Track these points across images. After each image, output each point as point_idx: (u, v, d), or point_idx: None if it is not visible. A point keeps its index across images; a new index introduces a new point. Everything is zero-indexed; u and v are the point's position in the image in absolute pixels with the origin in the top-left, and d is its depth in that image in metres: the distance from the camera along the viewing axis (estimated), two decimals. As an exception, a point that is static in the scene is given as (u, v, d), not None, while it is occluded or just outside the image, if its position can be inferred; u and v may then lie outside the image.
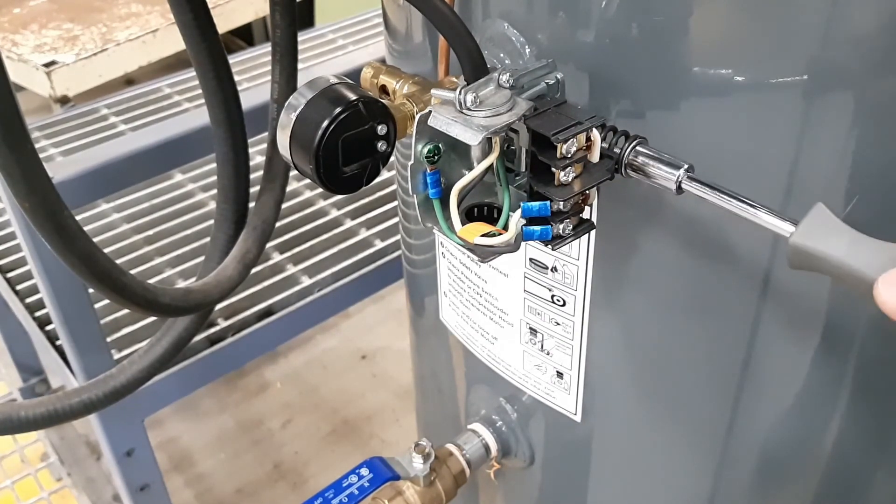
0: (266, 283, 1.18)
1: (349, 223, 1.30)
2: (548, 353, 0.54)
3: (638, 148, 0.40)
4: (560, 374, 0.54)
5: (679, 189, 0.38)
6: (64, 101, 1.68)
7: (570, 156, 0.39)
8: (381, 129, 0.40)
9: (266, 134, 0.75)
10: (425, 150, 0.40)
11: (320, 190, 1.33)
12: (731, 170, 0.41)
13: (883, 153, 0.39)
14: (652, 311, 0.48)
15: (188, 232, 1.26)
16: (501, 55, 0.45)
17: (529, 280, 0.52)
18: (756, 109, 0.39)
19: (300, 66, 0.67)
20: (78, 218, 0.48)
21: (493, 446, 0.61)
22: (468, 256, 0.56)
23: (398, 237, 0.72)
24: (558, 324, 0.52)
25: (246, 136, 0.69)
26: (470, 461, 0.60)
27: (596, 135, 0.40)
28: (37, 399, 0.62)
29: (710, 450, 0.52)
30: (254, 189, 0.71)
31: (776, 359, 0.46)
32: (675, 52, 0.40)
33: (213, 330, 1.11)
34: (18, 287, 1.18)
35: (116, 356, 1.05)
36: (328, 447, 1.57)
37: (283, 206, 0.72)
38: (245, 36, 2.52)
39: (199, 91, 0.66)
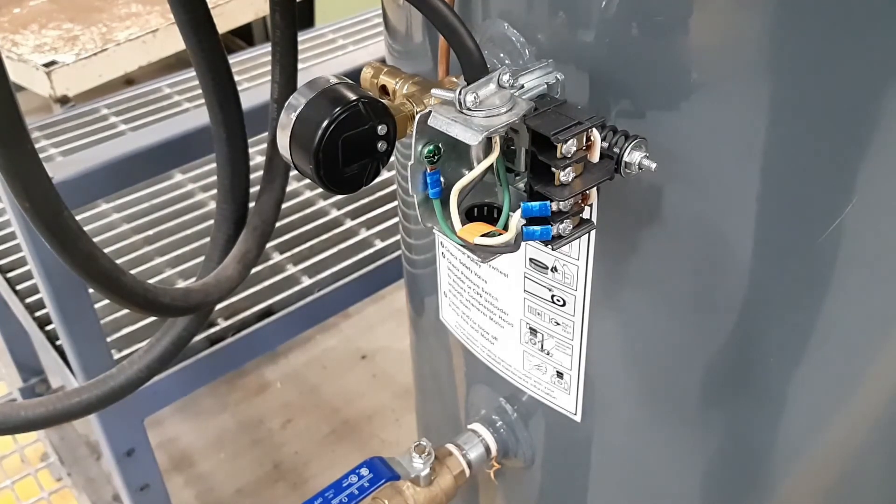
0: (266, 283, 1.18)
1: (349, 223, 1.30)
2: (548, 353, 0.54)
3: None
4: (560, 374, 0.54)
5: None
6: (64, 101, 1.68)
7: (570, 156, 0.39)
8: (381, 129, 0.40)
9: (266, 134, 0.75)
10: (425, 150, 0.40)
11: (320, 190, 1.33)
12: (732, 169, 0.41)
13: (882, 156, 0.39)
14: (652, 310, 0.48)
15: (188, 232, 1.26)
16: (501, 55, 0.45)
17: (529, 280, 0.52)
18: (757, 109, 0.39)
19: (300, 66, 0.67)
20: (78, 218, 0.48)
21: (493, 446, 0.61)
22: (468, 256, 0.56)
23: (398, 237, 0.72)
24: (558, 324, 0.52)
25: (246, 136, 0.69)
26: (470, 461, 0.60)
27: (596, 135, 0.40)
28: (37, 399, 0.62)
29: (710, 449, 0.52)
30: (254, 189, 0.71)
31: (776, 358, 0.46)
32: (675, 51, 0.40)
33: (213, 330, 1.11)
34: (18, 287, 1.18)
35: (116, 356, 1.05)
36: (328, 447, 1.57)
37: (283, 206, 0.72)
38: (245, 36, 2.52)
39: (199, 91, 0.66)
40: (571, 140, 0.38)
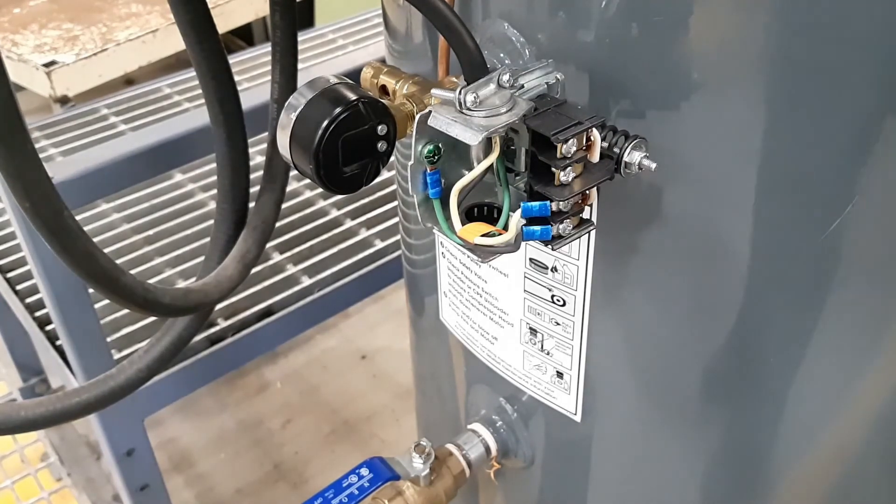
0: (266, 283, 1.18)
1: (349, 223, 1.30)
2: (548, 353, 0.54)
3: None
4: (560, 374, 0.54)
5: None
6: (64, 101, 1.68)
7: (570, 156, 0.39)
8: (381, 129, 0.40)
9: (266, 134, 0.74)
10: (425, 150, 0.40)
11: (320, 190, 1.33)
12: (732, 169, 0.41)
13: (883, 156, 0.39)
14: (652, 310, 0.48)
15: (188, 232, 1.26)
16: (501, 55, 0.45)
17: (529, 280, 0.52)
18: (757, 108, 0.39)
19: (300, 66, 0.67)
20: (78, 218, 0.48)
21: (493, 446, 0.61)
22: (468, 256, 0.56)
23: (398, 237, 0.72)
24: (558, 324, 0.52)
25: (246, 136, 0.69)
26: (470, 461, 0.60)
27: (596, 135, 0.40)
28: (37, 399, 0.62)
29: (710, 450, 0.52)
30: (254, 189, 0.70)
31: (776, 358, 0.46)
32: (675, 51, 0.40)
33: (213, 330, 1.11)
34: (18, 287, 1.18)
35: (116, 356, 1.05)
36: (328, 447, 1.57)
37: (283, 206, 0.72)
38: (245, 36, 2.52)
39: (199, 91, 0.66)
40: (571, 140, 0.38)
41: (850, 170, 0.40)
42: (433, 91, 0.41)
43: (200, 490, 1.51)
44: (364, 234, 1.27)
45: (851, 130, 0.39)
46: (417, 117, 0.39)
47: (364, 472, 0.57)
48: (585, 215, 0.42)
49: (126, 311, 1.10)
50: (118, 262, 0.55)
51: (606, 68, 0.42)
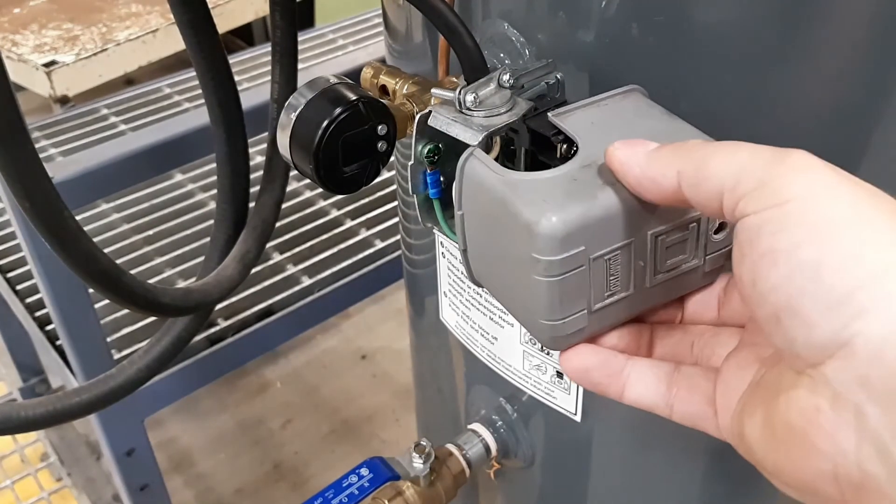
0: (266, 283, 1.18)
1: (349, 223, 1.30)
2: (548, 353, 0.54)
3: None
4: (560, 374, 0.54)
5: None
6: (64, 101, 1.68)
7: (569, 156, 0.39)
8: (381, 129, 0.40)
9: (266, 134, 0.74)
10: (425, 150, 0.40)
11: (320, 190, 1.33)
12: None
13: (883, 155, 0.39)
14: (652, 311, 0.48)
15: (188, 232, 1.26)
16: (501, 55, 0.45)
17: (529, 280, 0.52)
18: (758, 108, 0.39)
19: (300, 66, 0.67)
20: (78, 218, 0.48)
21: (493, 446, 0.61)
22: (468, 256, 0.56)
23: (398, 237, 0.72)
24: (558, 324, 0.52)
25: (246, 136, 0.69)
26: (470, 461, 0.60)
27: (596, 135, 0.39)
28: (37, 399, 0.62)
29: (710, 449, 0.52)
30: (254, 189, 0.70)
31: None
32: (676, 52, 0.40)
33: (213, 330, 1.11)
34: (18, 287, 1.18)
35: (116, 356, 1.05)
36: (328, 447, 1.58)
37: (283, 206, 0.72)
38: (245, 36, 2.52)
39: (199, 91, 0.66)
40: (571, 140, 0.38)
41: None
42: (433, 91, 0.41)
43: (200, 490, 1.51)
44: (364, 234, 1.27)
45: (854, 128, 0.39)
46: (417, 117, 0.39)
47: (364, 472, 0.57)
48: (585, 215, 0.42)
49: (126, 311, 1.10)
50: (118, 262, 0.55)
51: (606, 68, 0.42)
